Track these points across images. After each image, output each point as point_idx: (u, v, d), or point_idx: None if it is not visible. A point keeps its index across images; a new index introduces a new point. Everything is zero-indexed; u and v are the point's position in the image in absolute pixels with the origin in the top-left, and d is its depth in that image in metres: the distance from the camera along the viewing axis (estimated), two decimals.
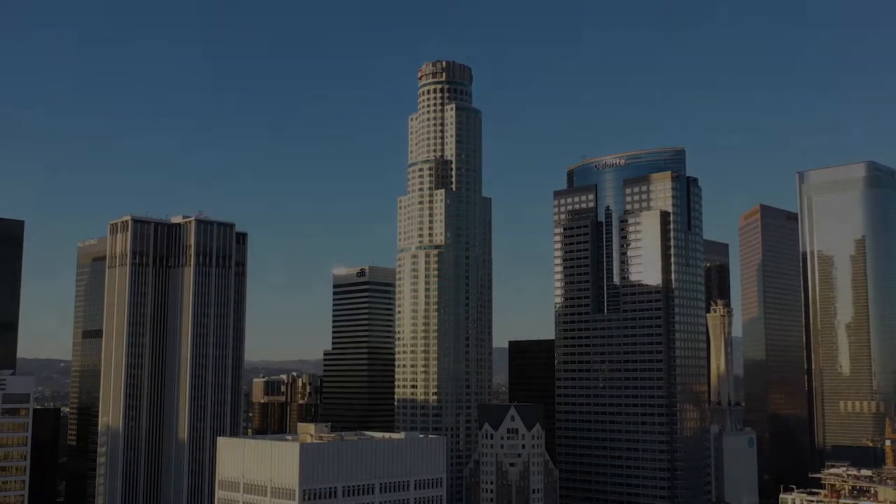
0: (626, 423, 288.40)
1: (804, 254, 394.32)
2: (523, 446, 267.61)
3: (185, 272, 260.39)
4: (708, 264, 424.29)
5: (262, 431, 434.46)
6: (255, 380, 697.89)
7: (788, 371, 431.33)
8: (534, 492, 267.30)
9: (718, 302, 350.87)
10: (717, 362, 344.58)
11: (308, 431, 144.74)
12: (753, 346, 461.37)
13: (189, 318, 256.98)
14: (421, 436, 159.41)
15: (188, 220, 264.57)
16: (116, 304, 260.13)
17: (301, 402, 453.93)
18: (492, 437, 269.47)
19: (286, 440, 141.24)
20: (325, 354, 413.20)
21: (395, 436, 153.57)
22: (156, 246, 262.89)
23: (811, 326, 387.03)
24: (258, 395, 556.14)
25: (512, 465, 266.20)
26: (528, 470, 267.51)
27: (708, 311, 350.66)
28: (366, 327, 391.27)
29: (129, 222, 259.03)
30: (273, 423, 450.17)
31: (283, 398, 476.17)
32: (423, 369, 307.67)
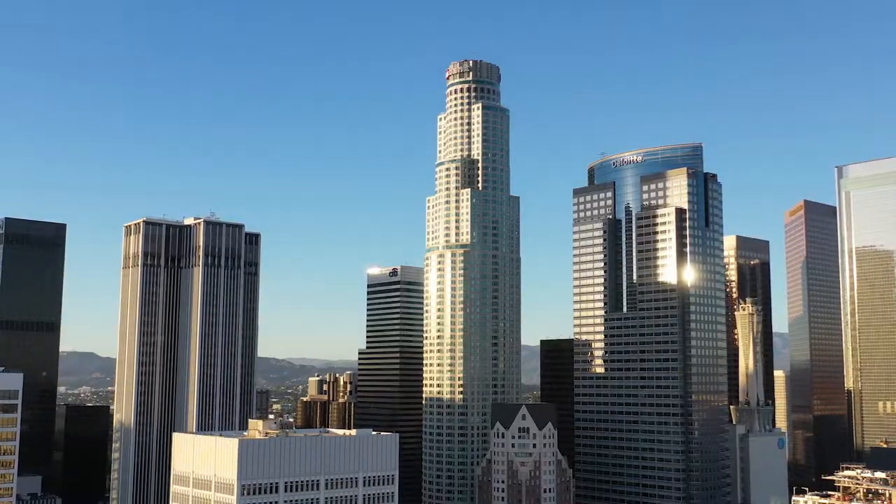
0: (642, 424, 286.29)
1: (843, 250, 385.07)
2: (534, 445, 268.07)
3: (194, 272, 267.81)
4: (753, 262, 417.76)
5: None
6: (310, 379, 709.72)
7: (832, 371, 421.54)
8: (545, 491, 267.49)
9: (747, 300, 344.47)
10: (746, 361, 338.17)
11: (256, 427, 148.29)
12: (798, 345, 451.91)
13: (198, 317, 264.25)
14: (374, 433, 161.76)
15: (198, 221, 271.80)
16: (129, 303, 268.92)
17: (342, 400, 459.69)
18: (503, 437, 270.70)
19: (230, 436, 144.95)
20: (359, 353, 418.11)
21: (349, 433, 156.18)
22: (167, 247, 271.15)
23: (850, 324, 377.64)
24: (313, 393, 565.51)
25: (523, 464, 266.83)
26: (539, 469, 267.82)
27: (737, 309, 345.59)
28: (398, 326, 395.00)
29: (142, 225, 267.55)
30: (315, 422, 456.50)
31: (325, 397, 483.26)
32: (448, 368, 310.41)
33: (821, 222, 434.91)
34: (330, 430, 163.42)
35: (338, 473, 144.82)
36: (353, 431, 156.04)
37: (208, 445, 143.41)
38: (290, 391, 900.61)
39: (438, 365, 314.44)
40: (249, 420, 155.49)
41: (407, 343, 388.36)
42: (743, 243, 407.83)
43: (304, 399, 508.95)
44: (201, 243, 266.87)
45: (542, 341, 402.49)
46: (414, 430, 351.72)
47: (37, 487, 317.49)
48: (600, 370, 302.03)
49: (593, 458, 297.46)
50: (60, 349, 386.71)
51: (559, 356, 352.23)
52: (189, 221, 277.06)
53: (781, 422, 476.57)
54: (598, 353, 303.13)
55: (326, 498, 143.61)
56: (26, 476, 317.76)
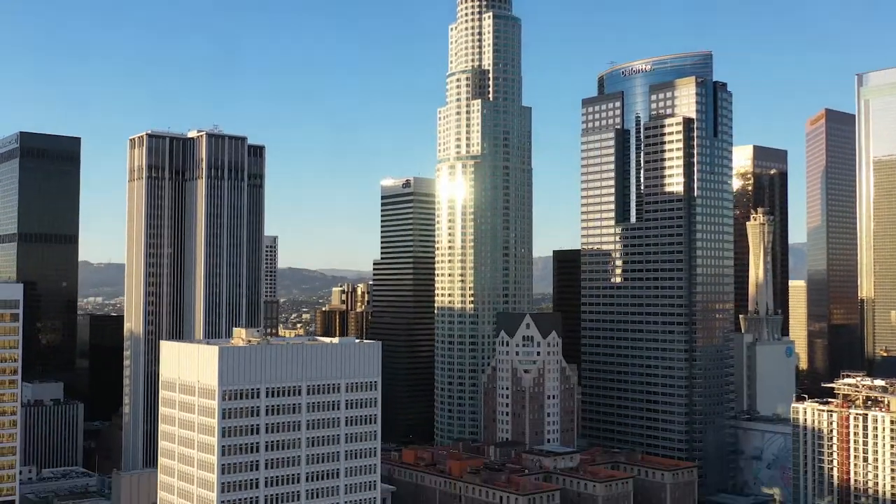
0: (648, 333, 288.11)
1: (861, 159, 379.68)
2: (538, 353, 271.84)
3: (198, 185, 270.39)
4: (771, 172, 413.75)
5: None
6: (333, 289, 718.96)
7: (849, 281, 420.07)
8: (549, 398, 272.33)
9: (759, 210, 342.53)
10: (756, 271, 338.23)
11: (240, 335, 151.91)
12: (816, 255, 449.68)
13: (202, 229, 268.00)
14: (357, 341, 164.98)
15: (201, 134, 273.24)
16: (136, 216, 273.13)
17: (359, 309, 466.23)
18: (507, 345, 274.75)
19: (213, 344, 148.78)
20: (374, 264, 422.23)
21: (333, 341, 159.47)
22: (171, 160, 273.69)
23: (866, 234, 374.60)
24: (335, 303, 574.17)
25: (527, 371, 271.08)
26: (542, 377, 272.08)
27: (748, 219, 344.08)
28: (411, 238, 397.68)
29: (145, 138, 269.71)
30: (334, 331, 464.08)
31: (344, 307, 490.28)
32: (460, 278, 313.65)
33: (841, 131, 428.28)
34: (317, 338, 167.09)
35: (320, 380, 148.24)
36: (336, 339, 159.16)
37: (192, 352, 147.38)
38: (321, 301, 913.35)
39: (450, 275, 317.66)
40: (234, 328, 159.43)
41: (420, 254, 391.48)
42: (760, 153, 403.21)
43: (324, 309, 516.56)
44: (204, 156, 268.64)
45: (554, 251, 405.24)
46: (427, 338, 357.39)
47: (59, 393, 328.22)
48: (607, 280, 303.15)
49: (599, 366, 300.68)
50: (79, 260, 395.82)
51: (571, 266, 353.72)
52: (192, 134, 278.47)
53: (800, 331, 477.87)
54: (606, 262, 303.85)
55: (308, 403, 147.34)
56: (49, 382, 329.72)
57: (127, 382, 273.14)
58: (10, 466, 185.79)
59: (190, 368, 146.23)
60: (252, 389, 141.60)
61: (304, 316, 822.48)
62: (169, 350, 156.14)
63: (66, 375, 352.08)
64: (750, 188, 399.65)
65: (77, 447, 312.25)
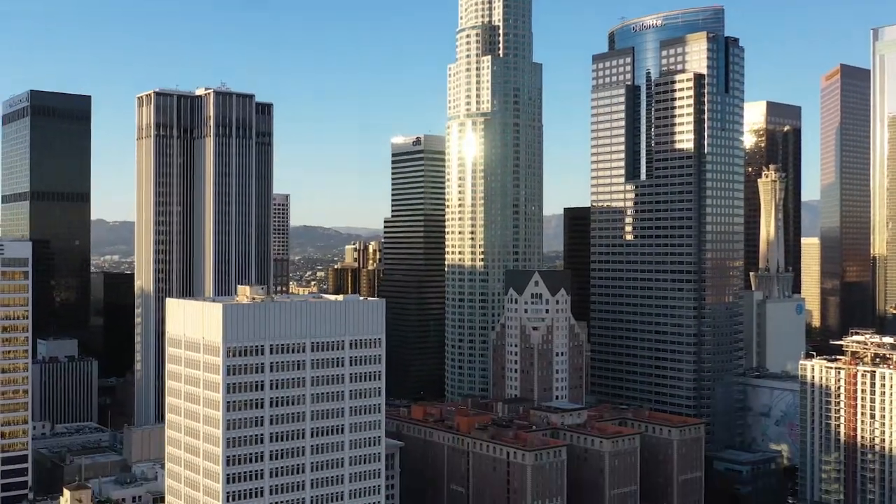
0: (657, 290, 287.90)
1: (875, 115, 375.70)
2: (547, 311, 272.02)
3: (206, 143, 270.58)
4: (784, 128, 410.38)
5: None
6: (346, 247, 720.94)
7: (862, 238, 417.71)
8: (557, 355, 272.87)
9: (770, 167, 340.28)
10: (767, 229, 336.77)
11: (244, 293, 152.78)
12: (830, 212, 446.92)
13: (211, 187, 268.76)
14: (360, 298, 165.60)
15: (208, 91, 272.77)
16: (145, 174, 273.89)
17: (370, 267, 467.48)
18: (516, 303, 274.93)
19: (218, 301, 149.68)
20: (385, 222, 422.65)
21: (337, 298, 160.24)
22: (179, 118, 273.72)
23: (879, 191, 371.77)
24: (349, 261, 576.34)
25: (535, 328, 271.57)
26: (551, 334, 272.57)
27: (759, 177, 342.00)
28: (421, 195, 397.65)
29: (153, 96, 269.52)
30: (346, 288, 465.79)
31: (356, 264, 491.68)
32: (470, 236, 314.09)
33: (856, 87, 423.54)
34: (323, 296, 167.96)
35: (324, 337, 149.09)
36: (341, 297, 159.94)
37: (196, 310, 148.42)
38: (335, 259, 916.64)
39: (460, 233, 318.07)
40: (238, 286, 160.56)
41: (431, 211, 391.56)
42: (773, 109, 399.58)
43: (336, 267, 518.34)
44: (212, 114, 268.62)
45: (565, 209, 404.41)
46: (438, 296, 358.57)
47: (74, 350, 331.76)
48: (617, 237, 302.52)
49: (609, 323, 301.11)
50: (96, 219, 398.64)
51: (583, 224, 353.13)
52: (200, 92, 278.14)
53: (813, 289, 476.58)
54: (616, 220, 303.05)
55: (312, 360, 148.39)
56: (63, 339, 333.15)
57: (138, 339, 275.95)
58: (23, 422, 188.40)
59: (195, 325, 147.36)
60: (256, 346, 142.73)
61: (319, 274, 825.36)
62: (174, 307, 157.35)
63: (80, 333, 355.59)
64: (763, 145, 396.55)
65: (92, 403, 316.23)
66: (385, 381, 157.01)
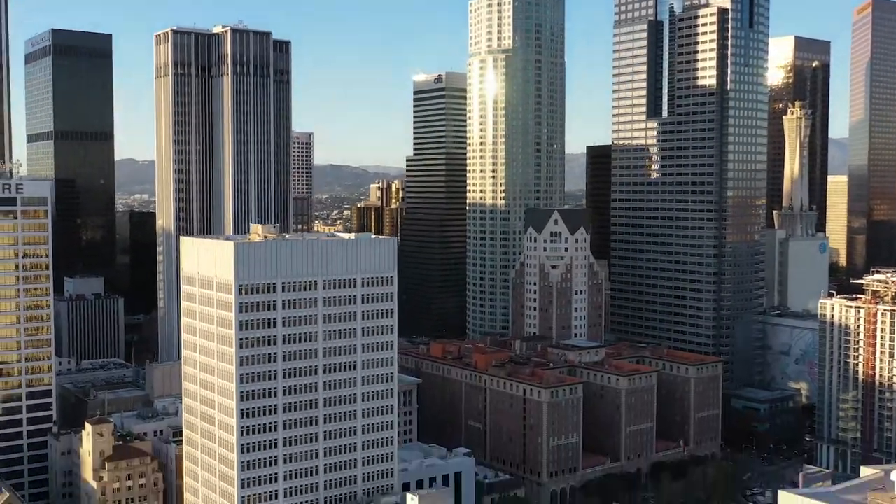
0: (678, 228, 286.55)
1: None
2: (566, 249, 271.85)
3: (224, 81, 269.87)
4: (813, 64, 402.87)
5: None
6: (371, 185, 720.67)
7: (891, 176, 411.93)
8: (576, 293, 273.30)
9: (796, 104, 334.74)
10: (791, 166, 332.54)
11: (257, 231, 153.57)
12: (858, 149, 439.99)
13: (229, 125, 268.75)
14: (372, 236, 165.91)
15: (225, 29, 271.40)
16: (163, 112, 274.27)
17: (393, 206, 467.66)
18: (535, 241, 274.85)
19: (231, 240, 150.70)
20: (407, 160, 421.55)
21: (349, 236, 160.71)
22: (197, 56, 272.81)
23: None
24: (373, 199, 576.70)
25: (554, 266, 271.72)
26: (570, 272, 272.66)
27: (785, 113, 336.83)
28: (442, 133, 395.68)
29: (170, 34, 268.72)
30: (370, 227, 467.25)
31: (380, 203, 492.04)
32: (491, 174, 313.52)
33: (889, 20, 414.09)
34: (337, 234, 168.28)
35: (335, 274, 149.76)
36: (353, 235, 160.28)
37: (210, 248, 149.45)
38: (363, 197, 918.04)
39: (481, 171, 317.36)
40: (251, 225, 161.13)
41: (452, 150, 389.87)
42: (802, 44, 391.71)
43: (359, 205, 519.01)
44: (229, 51, 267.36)
45: (588, 147, 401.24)
46: (460, 234, 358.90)
47: (100, 288, 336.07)
48: (639, 175, 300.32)
49: (629, 262, 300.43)
50: (125, 157, 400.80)
51: (605, 162, 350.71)
52: (217, 30, 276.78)
53: (840, 227, 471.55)
54: (637, 158, 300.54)
55: (325, 297, 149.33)
56: (90, 277, 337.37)
57: (161, 278, 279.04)
58: (47, 357, 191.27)
59: (208, 263, 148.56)
60: (268, 284, 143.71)
61: (346, 213, 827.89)
62: (188, 245, 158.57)
63: (106, 271, 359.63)
64: (791, 81, 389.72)
65: (119, 340, 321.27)
66: (404, 320, 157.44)
